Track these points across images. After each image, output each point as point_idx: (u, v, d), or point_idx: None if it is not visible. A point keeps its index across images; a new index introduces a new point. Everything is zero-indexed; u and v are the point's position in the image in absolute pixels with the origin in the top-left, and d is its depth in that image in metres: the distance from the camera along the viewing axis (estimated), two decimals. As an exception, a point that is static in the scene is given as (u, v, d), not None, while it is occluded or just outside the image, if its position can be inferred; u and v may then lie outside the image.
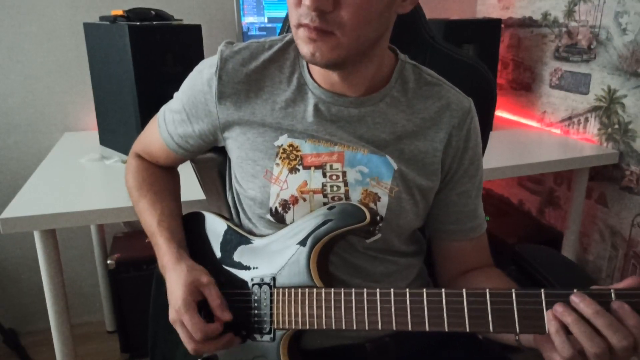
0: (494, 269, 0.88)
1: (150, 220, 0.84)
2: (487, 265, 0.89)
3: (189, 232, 0.86)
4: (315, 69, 0.78)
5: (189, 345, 0.73)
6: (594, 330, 0.56)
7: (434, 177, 0.81)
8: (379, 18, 0.69)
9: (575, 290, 0.58)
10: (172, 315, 0.74)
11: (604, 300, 0.57)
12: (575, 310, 0.57)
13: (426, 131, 0.80)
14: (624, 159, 1.62)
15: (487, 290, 0.62)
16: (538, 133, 1.91)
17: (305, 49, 0.68)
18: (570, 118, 1.82)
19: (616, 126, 1.63)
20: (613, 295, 0.57)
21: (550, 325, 0.58)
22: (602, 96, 1.68)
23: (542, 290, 0.60)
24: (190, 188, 1.01)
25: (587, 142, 1.74)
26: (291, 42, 0.81)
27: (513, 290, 0.61)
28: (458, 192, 0.84)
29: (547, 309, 0.59)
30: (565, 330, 0.58)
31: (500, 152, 1.64)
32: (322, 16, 0.65)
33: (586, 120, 1.75)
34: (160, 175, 0.92)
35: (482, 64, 1.00)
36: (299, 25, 0.68)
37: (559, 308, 0.58)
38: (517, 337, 0.69)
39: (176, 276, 0.76)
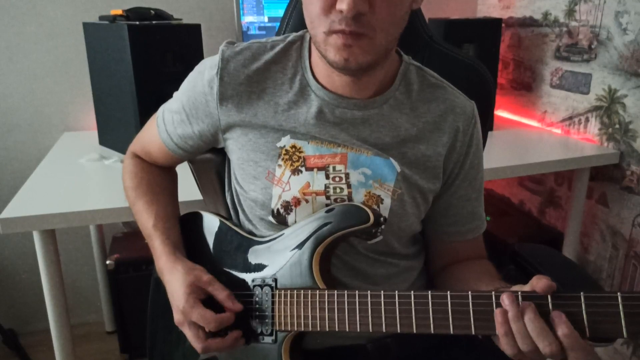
0: (484, 261, 0.88)
1: (147, 222, 0.83)
2: (479, 256, 0.89)
3: (187, 233, 0.86)
4: (321, 71, 0.77)
5: (197, 345, 0.73)
6: (527, 332, 0.60)
7: (436, 180, 0.81)
8: (404, 16, 0.70)
9: (582, 294, 0.59)
10: (178, 317, 0.74)
11: (543, 308, 0.60)
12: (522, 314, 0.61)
13: (429, 135, 0.80)
14: (624, 159, 1.61)
15: (493, 292, 0.62)
16: (539, 133, 1.90)
17: (337, 55, 0.67)
18: (570, 118, 1.82)
19: (617, 126, 1.63)
20: (620, 298, 0.57)
21: (497, 317, 0.61)
22: (602, 96, 1.67)
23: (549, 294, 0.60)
24: (189, 188, 1.01)
25: (588, 142, 1.74)
26: (293, 42, 0.81)
27: (519, 292, 0.62)
28: (458, 195, 0.84)
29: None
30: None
31: (501, 152, 1.63)
32: (358, 19, 0.64)
33: (587, 120, 1.75)
34: (158, 176, 0.91)
35: (480, 63, 1.00)
36: (331, 32, 0.66)
37: (506, 300, 0.61)
38: None
39: (175, 279, 0.75)
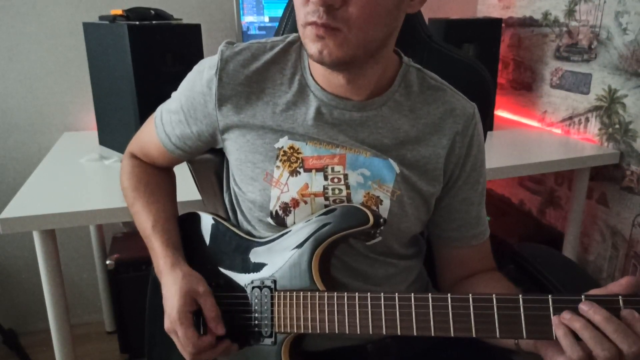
0: (496, 273, 0.87)
1: (145, 223, 0.83)
2: (490, 269, 0.88)
3: (185, 234, 0.85)
4: (318, 72, 0.77)
5: (184, 354, 0.73)
6: (603, 335, 0.57)
7: (436, 182, 0.81)
8: (387, 16, 0.68)
9: (583, 296, 0.59)
10: (167, 325, 0.74)
11: (613, 307, 0.57)
12: (583, 316, 0.58)
13: (429, 137, 0.79)
14: (624, 159, 1.61)
15: (494, 295, 0.62)
16: (539, 133, 1.90)
17: (312, 47, 0.67)
18: (570, 118, 1.82)
19: (617, 126, 1.63)
20: (621, 301, 0.57)
21: (558, 329, 0.59)
22: (602, 96, 1.67)
23: (550, 295, 0.60)
24: (188, 188, 1.00)
25: (588, 142, 1.74)
26: (293, 42, 0.80)
27: (520, 295, 0.61)
28: (460, 199, 0.84)
29: (554, 315, 0.59)
30: (573, 334, 0.58)
31: (501, 152, 1.63)
32: (330, 12, 0.64)
33: (587, 120, 1.75)
34: (156, 176, 0.91)
35: (479, 63, 1.00)
36: (306, 24, 0.67)
37: (566, 315, 0.59)
38: (516, 341, 0.69)
39: (172, 283, 0.75)
